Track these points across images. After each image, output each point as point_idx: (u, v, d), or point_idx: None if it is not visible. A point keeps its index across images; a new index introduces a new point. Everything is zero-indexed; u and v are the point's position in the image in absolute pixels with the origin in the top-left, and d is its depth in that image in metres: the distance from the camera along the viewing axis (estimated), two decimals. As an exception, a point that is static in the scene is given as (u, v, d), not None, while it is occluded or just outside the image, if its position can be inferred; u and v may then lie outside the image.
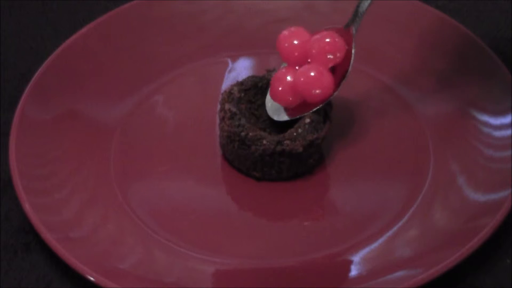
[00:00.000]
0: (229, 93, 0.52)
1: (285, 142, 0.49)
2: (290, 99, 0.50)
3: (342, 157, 0.52)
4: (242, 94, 0.52)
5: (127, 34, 0.59)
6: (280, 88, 0.50)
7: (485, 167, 0.50)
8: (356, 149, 0.53)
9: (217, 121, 0.52)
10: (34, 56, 0.60)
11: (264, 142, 0.49)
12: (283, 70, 0.50)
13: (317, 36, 0.49)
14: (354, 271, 0.46)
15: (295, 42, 0.49)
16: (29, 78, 0.54)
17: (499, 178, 0.48)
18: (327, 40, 0.48)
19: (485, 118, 0.53)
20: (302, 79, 0.48)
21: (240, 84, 0.52)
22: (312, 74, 0.48)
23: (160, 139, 0.54)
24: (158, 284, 0.44)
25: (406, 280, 0.42)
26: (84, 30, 0.58)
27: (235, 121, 0.50)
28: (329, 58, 0.48)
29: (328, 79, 0.48)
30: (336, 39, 0.48)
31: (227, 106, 0.51)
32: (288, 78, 0.49)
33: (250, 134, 0.49)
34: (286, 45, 0.50)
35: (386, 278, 0.44)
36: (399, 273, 0.44)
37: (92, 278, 0.43)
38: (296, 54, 0.49)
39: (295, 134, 0.49)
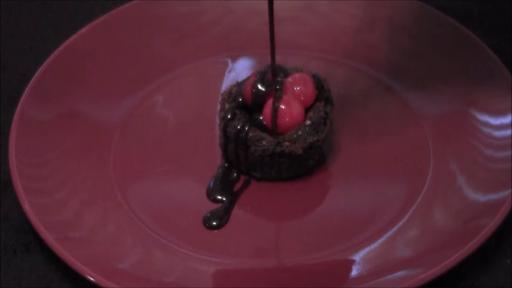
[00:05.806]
0: (229, 93, 0.52)
1: (284, 143, 0.49)
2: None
3: (342, 157, 0.52)
4: (242, 94, 0.52)
5: (127, 34, 0.59)
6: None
7: (485, 167, 0.50)
8: (356, 149, 0.53)
9: (217, 121, 0.52)
10: (34, 56, 0.60)
11: (264, 142, 0.49)
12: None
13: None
14: (354, 271, 0.46)
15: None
16: (29, 78, 0.54)
17: (499, 178, 0.48)
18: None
19: (485, 118, 0.53)
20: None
21: (240, 84, 0.52)
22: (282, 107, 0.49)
23: (160, 139, 0.54)
24: (158, 284, 0.44)
25: (406, 280, 0.42)
26: (84, 30, 0.58)
27: (235, 122, 0.50)
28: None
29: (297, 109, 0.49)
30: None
31: (227, 106, 0.51)
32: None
33: (250, 134, 0.49)
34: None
35: (386, 278, 0.44)
36: (399, 273, 0.44)
37: (91, 278, 0.43)
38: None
39: (295, 136, 0.49)
